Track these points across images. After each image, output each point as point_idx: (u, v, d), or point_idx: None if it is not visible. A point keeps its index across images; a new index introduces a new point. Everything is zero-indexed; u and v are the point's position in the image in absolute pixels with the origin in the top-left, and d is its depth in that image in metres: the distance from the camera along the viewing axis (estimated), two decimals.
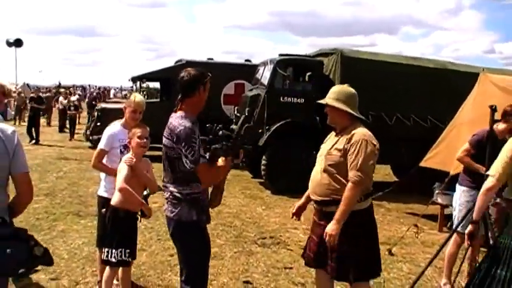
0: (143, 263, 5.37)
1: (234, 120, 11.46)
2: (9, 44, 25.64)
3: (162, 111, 5.54)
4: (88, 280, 4.81)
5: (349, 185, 3.28)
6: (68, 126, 19.26)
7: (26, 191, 2.75)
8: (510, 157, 3.08)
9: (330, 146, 3.49)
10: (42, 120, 19.61)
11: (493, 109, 4.05)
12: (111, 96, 42.59)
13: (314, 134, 9.92)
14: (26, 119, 19.04)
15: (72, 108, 19.19)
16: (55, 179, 9.93)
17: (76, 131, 18.38)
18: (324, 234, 3.31)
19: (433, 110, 9.82)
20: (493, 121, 4.13)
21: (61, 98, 21.05)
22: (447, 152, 6.18)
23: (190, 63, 13.38)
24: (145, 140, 3.97)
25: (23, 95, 23.60)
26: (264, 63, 11.01)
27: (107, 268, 4.03)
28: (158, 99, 15.30)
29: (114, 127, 4.35)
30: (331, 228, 3.28)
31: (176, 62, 14.94)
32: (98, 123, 13.52)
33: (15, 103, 22.82)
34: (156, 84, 18.40)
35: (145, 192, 4.16)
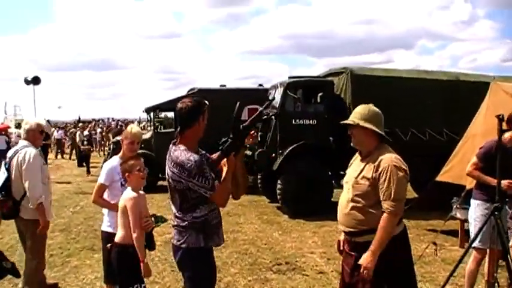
0: None
1: (248, 146, 11.40)
2: (27, 82, 26.20)
3: None
4: None
5: (385, 216, 3.11)
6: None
7: None
8: None
9: (357, 173, 3.32)
10: (51, 156, 19.73)
11: (501, 119, 3.90)
12: None
13: (328, 155, 9.89)
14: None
15: (85, 143, 19.02)
16: (71, 214, 9.96)
17: (95, 165, 18.49)
18: (361, 268, 3.15)
19: (448, 123, 9.63)
20: (501, 131, 3.97)
21: (78, 133, 21.17)
22: (462, 165, 5.98)
23: (202, 91, 13.44)
24: (145, 172, 3.89)
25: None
26: (275, 87, 10.98)
27: None
28: (173, 129, 15.36)
29: (113, 161, 4.33)
30: (366, 260, 3.12)
31: (189, 90, 15.01)
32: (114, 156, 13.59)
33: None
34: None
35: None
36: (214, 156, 3.30)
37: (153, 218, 4.20)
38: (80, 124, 26.35)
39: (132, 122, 48.72)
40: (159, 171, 11.51)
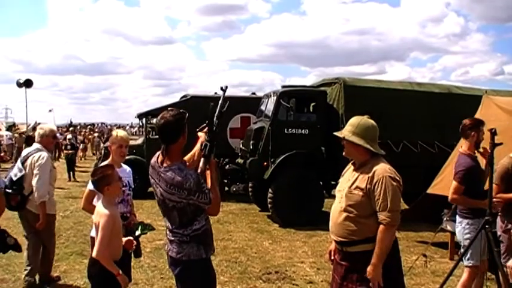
0: None
1: (240, 154, 11.40)
2: (19, 84, 26.01)
3: None
4: None
5: (382, 227, 3.12)
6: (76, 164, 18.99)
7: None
8: None
9: (350, 183, 3.30)
10: None
11: (493, 132, 3.93)
12: None
13: (320, 165, 9.91)
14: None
15: (68, 147, 17.86)
16: (61, 219, 9.84)
17: (85, 170, 18.34)
18: (370, 283, 3.15)
19: (440, 135, 9.68)
20: (493, 145, 4.00)
21: (69, 136, 20.26)
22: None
23: (195, 98, 13.44)
24: (122, 180, 3.80)
25: (24, 136, 23.54)
26: (268, 96, 11.00)
27: None
28: None
29: None
30: (372, 275, 3.12)
31: (182, 97, 14.96)
32: (105, 161, 13.53)
33: (16, 145, 21.74)
34: None
35: (137, 232, 4.05)
36: (195, 158, 3.32)
37: (140, 226, 4.17)
38: (71, 128, 26.18)
39: (124, 127, 48.72)
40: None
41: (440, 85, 11.16)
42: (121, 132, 4.48)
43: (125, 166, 4.49)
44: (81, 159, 25.25)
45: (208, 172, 3.19)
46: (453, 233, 7.12)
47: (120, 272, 3.51)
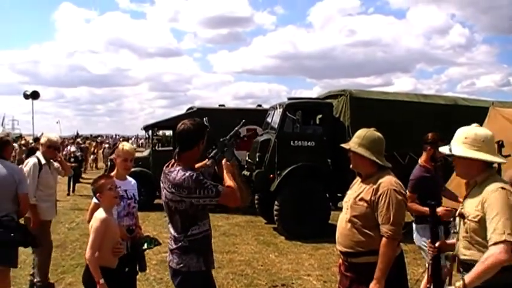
0: None
1: (246, 166, 11.39)
2: (26, 96, 26.28)
3: None
4: None
5: (385, 240, 3.11)
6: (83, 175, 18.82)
7: (24, 205, 4.92)
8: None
9: (356, 194, 3.31)
10: None
11: (500, 144, 3.91)
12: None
13: (326, 177, 9.87)
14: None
15: (72, 160, 16.76)
16: (67, 230, 9.88)
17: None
18: None
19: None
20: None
21: (73, 148, 19.46)
22: (460, 189, 5.96)
23: (201, 110, 13.46)
24: (116, 191, 3.82)
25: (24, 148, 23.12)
26: (274, 108, 11.01)
27: None
28: (171, 147, 15.39)
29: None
30: None
31: (188, 109, 15.02)
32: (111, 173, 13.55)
33: (17, 157, 19.96)
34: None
35: (145, 246, 4.04)
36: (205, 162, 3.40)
37: (146, 241, 4.15)
38: (77, 140, 26.26)
39: (129, 139, 48.84)
40: (156, 189, 11.48)
41: (446, 97, 11.15)
42: (127, 146, 4.47)
43: (129, 178, 4.48)
44: (92, 169, 25.34)
45: (226, 172, 3.27)
46: None
47: (102, 281, 3.53)
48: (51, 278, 6.46)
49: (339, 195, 9.62)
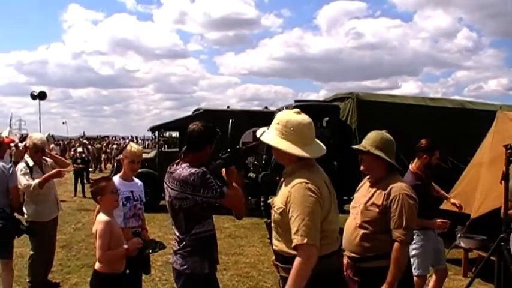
0: None
1: (252, 168, 11.38)
2: (33, 96, 26.44)
3: None
4: None
5: (397, 245, 3.10)
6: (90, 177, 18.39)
7: (15, 196, 5.33)
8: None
9: (366, 199, 3.30)
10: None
11: (508, 148, 3.90)
12: None
13: (332, 180, 9.81)
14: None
15: (78, 160, 16.70)
16: (73, 231, 9.91)
17: None
18: None
19: (453, 151, 9.58)
20: (508, 161, 3.96)
21: (79, 150, 18.98)
22: (467, 194, 5.98)
23: (208, 112, 13.50)
24: (117, 193, 3.81)
25: (21, 148, 22.96)
26: (280, 110, 10.97)
27: None
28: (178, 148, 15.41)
29: (114, 180, 4.30)
30: None
31: (194, 111, 15.03)
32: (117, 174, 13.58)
33: (13, 159, 21.05)
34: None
35: (150, 250, 4.04)
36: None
37: (151, 244, 4.15)
38: (85, 141, 26.36)
39: (136, 139, 48.90)
40: (162, 191, 11.46)
41: (453, 100, 11.11)
42: (135, 147, 4.43)
43: (136, 180, 4.48)
44: (105, 168, 25.46)
45: (233, 179, 3.25)
46: (467, 250, 7.05)
47: (126, 246, 3.60)
48: (56, 278, 6.49)
49: (344, 198, 9.59)
